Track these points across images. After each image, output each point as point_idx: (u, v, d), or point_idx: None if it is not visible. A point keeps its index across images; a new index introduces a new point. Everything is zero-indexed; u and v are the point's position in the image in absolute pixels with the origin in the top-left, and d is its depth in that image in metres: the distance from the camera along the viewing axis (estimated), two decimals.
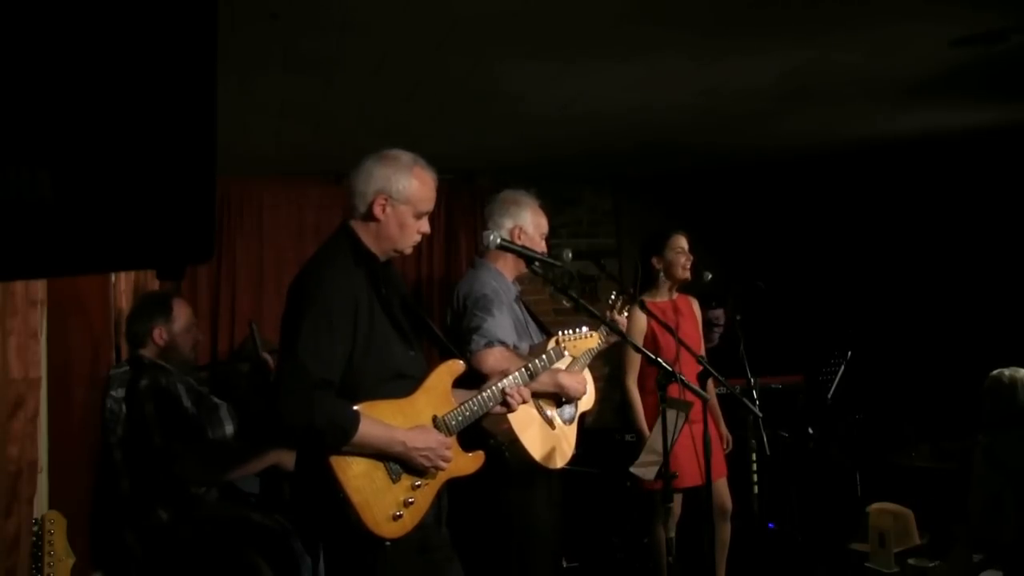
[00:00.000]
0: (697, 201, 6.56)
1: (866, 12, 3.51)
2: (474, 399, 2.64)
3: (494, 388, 2.69)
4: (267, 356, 3.79)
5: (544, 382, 3.17)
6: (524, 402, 2.75)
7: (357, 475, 2.38)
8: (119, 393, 3.48)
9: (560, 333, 3.07)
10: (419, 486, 2.49)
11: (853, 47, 3.96)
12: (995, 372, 3.89)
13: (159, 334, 3.59)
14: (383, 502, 2.41)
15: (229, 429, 3.53)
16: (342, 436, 2.33)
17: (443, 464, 2.50)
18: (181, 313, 3.71)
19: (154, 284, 4.34)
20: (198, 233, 1.07)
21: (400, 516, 2.43)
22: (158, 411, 3.36)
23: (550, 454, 3.18)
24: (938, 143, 5.84)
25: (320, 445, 2.36)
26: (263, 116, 4.63)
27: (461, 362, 2.67)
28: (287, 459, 3.39)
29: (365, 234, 2.61)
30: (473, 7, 3.31)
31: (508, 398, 2.70)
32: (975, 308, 5.91)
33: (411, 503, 2.46)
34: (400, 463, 2.44)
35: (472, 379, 2.84)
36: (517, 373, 2.76)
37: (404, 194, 2.58)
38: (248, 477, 3.70)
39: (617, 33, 3.66)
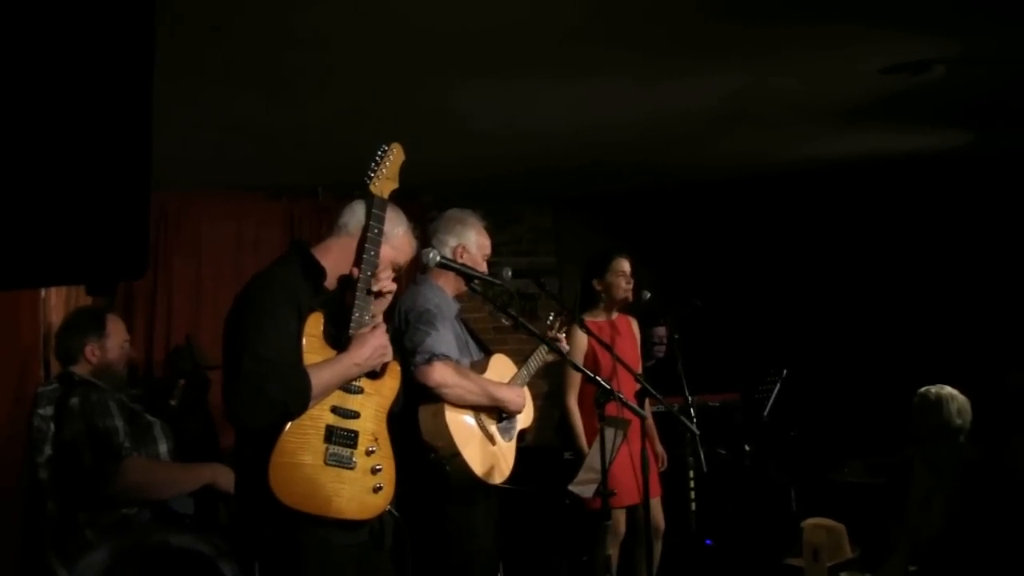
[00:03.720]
0: (637, 220, 6.64)
1: (803, 36, 3.61)
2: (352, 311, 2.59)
3: (360, 295, 2.58)
4: (208, 375, 3.73)
5: (484, 395, 3.18)
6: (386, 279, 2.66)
7: (328, 493, 2.42)
8: (47, 411, 3.38)
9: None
10: (373, 450, 2.52)
11: (790, 72, 4.06)
12: (923, 389, 4.00)
13: (91, 351, 3.51)
14: (361, 488, 2.47)
15: (163, 448, 3.46)
16: (304, 398, 2.38)
17: (388, 350, 2.56)
18: (115, 330, 3.63)
19: (87, 299, 4.24)
20: (131, 249, 1.06)
21: (380, 488, 2.51)
22: (88, 429, 3.28)
23: (490, 470, 3.19)
24: (870, 167, 6.01)
25: (289, 415, 2.39)
26: (204, 130, 4.57)
27: None
28: (222, 478, 3.33)
29: (322, 255, 2.64)
30: (418, 24, 3.32)
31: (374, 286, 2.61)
32: (904, 327, 6.08)
33: (379, 469, 2.52)
34: (338, 440, 2.46)
35: (409, 398, 2.84)
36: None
37: (356, 227, 2.67)
38: (183, 498, 3.62)
39: (562, 53, 3.70)
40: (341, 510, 2.44)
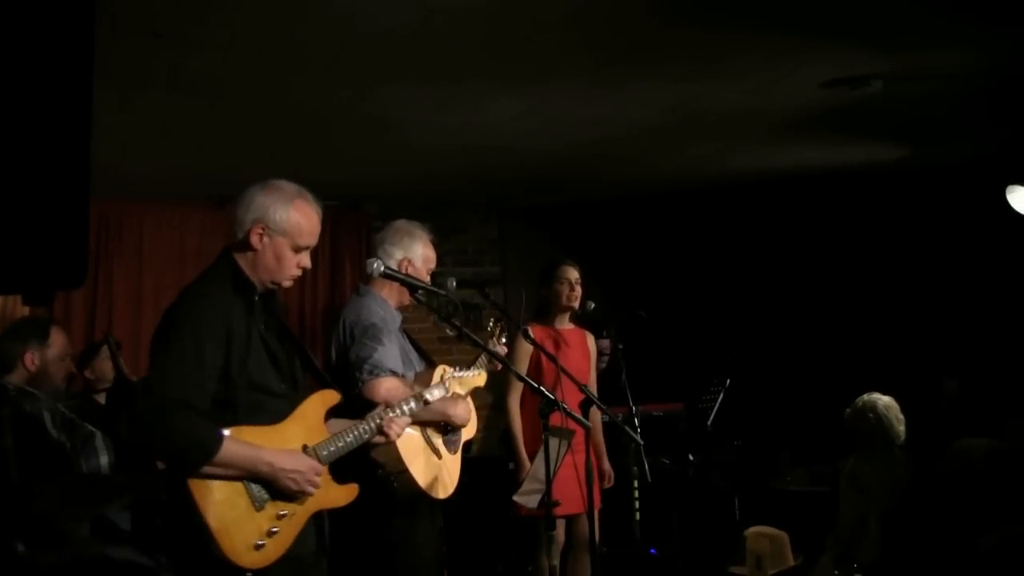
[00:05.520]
0: (582, 231, 6.67)
1: (745, 47, 3.68)
2: (349, 430, 2.58)
3: (370, 422, 2.63)
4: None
5: (431, 410, 3.18)
6: (399, 434, 2.72)
7: (218, 501, 2.28)
8: None
9: (447, 370, 3.14)
10: (284, 515, 2.39)
11: (732, 85, 4.14)
12: (860, 398, 4.08)
13: (30, 359, 3.43)
14: (244, 530, 2.31)
15: (104, 460, 3.39)
16: (203, 455, 2.24)
17: (311, 489, 2.41)
18: (58, 340, 3.55)
19: (23, 310, 4.15)
20: (69, 258, 1.04)
21: (262, 546, 2.33)
22: (18, 443, 3.19)
23: (436, 483, 3.19)
24: (810, 179, 6.13)
25: (181, 464, 2.26)
26: (145, 137, 4.51)
27: (336, 392, 2.60)
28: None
29: (243, 262, 2.55)
30: (362, 31, 3.32)
31: (386, 428, 2.65)
32: (844, 336, 6.21)
33: (275, 532, 2.36)
34: (266, 487, 2.35)
35: (356, 409, 2.81)
36: (405, 405, 2.74)
37: (282, 226, 2.53)
38: (122, 512, 3.55)
39: (513, 58, 3.70)
40: (235, 550, 2.28)
